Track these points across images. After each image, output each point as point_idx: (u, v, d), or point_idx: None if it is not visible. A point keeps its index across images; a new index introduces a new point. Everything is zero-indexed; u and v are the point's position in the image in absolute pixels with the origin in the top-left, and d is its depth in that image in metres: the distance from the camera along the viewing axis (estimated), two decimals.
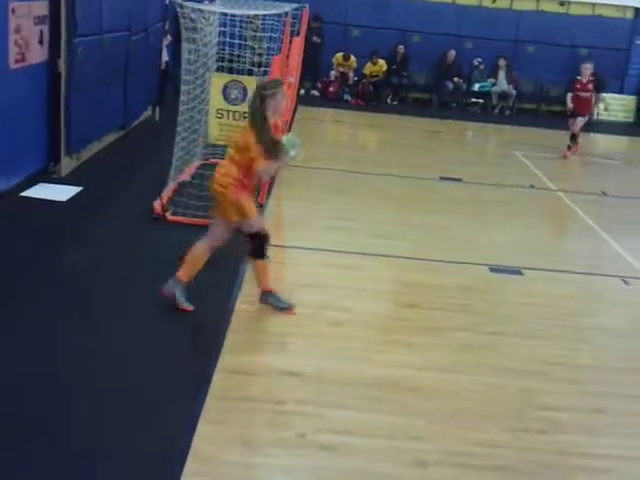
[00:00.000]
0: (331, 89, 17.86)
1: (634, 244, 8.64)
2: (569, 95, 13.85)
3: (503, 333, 6.05)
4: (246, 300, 6.09)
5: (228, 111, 9.06)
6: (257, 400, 4.68)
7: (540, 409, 4.96)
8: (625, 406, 5.13)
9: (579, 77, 13.77)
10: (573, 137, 13.81)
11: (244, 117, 9.38)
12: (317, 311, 6.06)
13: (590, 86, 13.77)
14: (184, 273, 5.76)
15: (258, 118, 5.57)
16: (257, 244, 5.80)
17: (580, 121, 13.69)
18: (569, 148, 13.78)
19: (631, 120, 18.58)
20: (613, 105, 17.35)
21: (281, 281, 6.41)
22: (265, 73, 9.14)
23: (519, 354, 5.72)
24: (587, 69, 13.74)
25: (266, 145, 5.52)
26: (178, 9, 8.20)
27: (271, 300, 5.99)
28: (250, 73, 9.44)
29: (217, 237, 5.82)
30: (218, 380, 4.83)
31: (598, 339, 6.22)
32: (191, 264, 5.77)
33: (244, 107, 8.78)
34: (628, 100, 18.53)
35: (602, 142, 16.52)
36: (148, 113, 12.74)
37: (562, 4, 18.40)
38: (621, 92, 18.19)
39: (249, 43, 9.99)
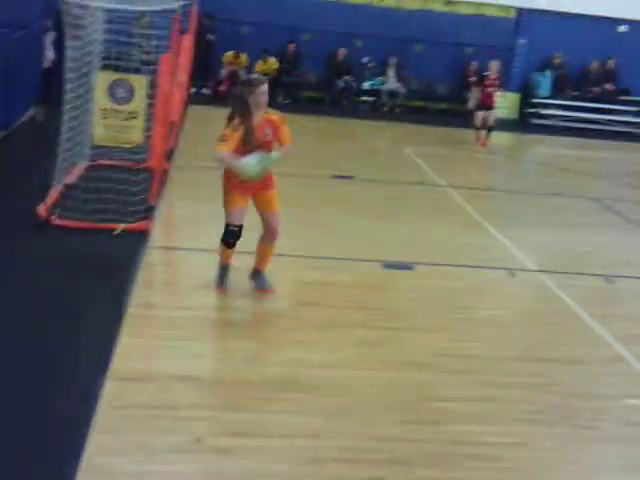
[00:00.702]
0: (222, 88, 17.70)
1: (518, 237, 8.95)
2: (474, 90, 15.16)
3: (397, 328, 6.14)
4: (137, 304, 5.94)
5: (114, 110, 8.83)
6: (150, 407, 4.57)
7: (434, 400, 5.06)
8: (513, 394, 5.30)
9: (487, 73, 15.05)
10: (486, 128, 15.12)
11: (132, 117, 9.20)
12: (210, 313, 5.99)
13: (497, 82, 15.12)
14: (261, 264, 6.40)
15: (240, 109, 5.88)
16: (224, 233, 6.18)
17: (491, 113, 14.99)
18: (478, 138, 15.10)
19: (515, 117, 19.26)
20: (498, 102, 17.92)
21: (172, 283, 6.30)
22: (153, 72, 8.96)
23: (413, 348, 5.82)
24: (495, 65, 15.14)
25: (244, 137, 5.88)
26: (61, 5, 7.93)
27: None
28: (138, 71, 9.24)
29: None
30: (109, 388, 4.69)
31: (487, 330, 6.40)
32: (259, 255, 6.42)
33: (131, 106, 8.61)
34: (512, 97, 19.20)
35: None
36: (32, 113, 12.28)
37: (448, 3, 18.86)
38: (504, 89, 18.82)
39: (137, 40, 9.78)
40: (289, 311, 6.43)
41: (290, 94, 18.34)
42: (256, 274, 6.50)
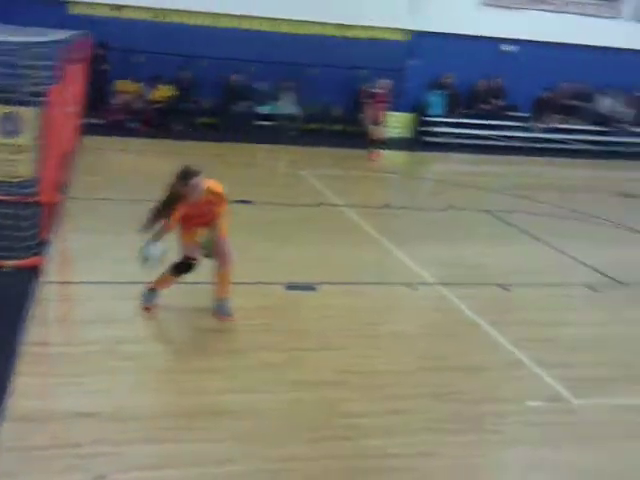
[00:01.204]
0: (116, 117, 17.41)
1: (416, 252, 9.12)
2: (366, 107, 16.48)
3: (302, 348, 6.15)
4: (32, 342, 5.72)
5: (2, 144, 8.55)
6: (50, 446, 4.41)
7: (341, 417, 5.09)
8: (420, 405, 5.38)
9: (376, 90, 16.41)
10: (375, 142, 16.20)
11: (21, 150, 8.92)
12: (110, 346, 5.83)
13: (385, 99, 16.51)
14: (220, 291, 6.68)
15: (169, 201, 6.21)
16: (180, 263, 6.50)
17: (379, 128, 16.26)
18: (372, 153, 16.06)
19: (409, 136, 19.70)
20: (391, 122, 18.28)
21: (67, 319, 6.12)
22: (43, 103, 8.71)
23: (318, 367, 5.84)
24: (383, 83, 16.66)
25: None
26: None
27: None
28: (27, 103, 8.97)
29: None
30: (5, 429, 4.50)
31: (391, 344, 6.48)
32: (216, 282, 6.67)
33: (20, 139, 8.35)
34: (406, 117, 19.63)
35: (384, 157, 17.37)
36: None
37: (340, 27, 19.17)
38: (397, 110, 19.22)
39: (25, 72, 9.50)
40: (193, 338, 6.35)
41: (186, 121, 18.20)
42: (216, 301, 6.68)
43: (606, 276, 8.76)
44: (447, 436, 4.97)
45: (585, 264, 9.21)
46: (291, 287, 7.54)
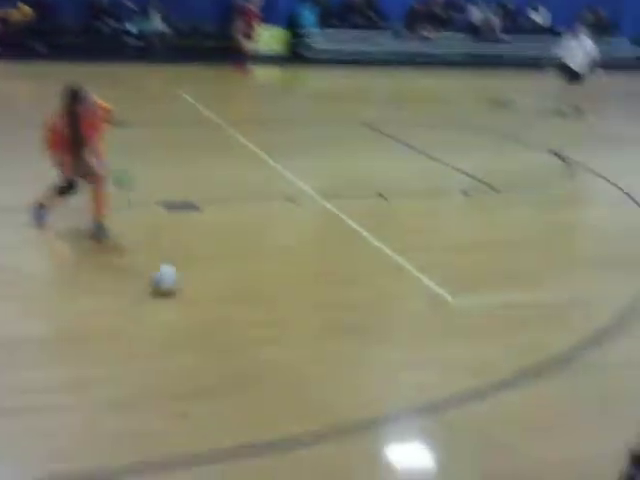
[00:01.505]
0: None
1: (298, 166, 9.13)
2: (238, 21, 16.61)
3: (187, 267, 6.07)
4: None
5: None
6: None
7: (230, 328, 5.12)
8: (301, 315, 5.48)
9: (249, 4, 16.71)
10: (247, 57, 16.46)
11: None
12: None
13: (257, 12, 16.94)
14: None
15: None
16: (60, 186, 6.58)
17: (253, 42, 16.74)
18: (244, 68, 16.17)
19: (281, 50, 19.41)
20: (264, 36, 17.94)
21: None
22: None
23: (206, 283, 5.84)
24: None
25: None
26: None
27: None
28: None
29: None
30: None
31: (279, 260, 6.52)
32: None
33: None
34: (279, 32, 19.30)
35: (260, 72, 17.13)
36: None
37: None
38: (270, 23, 18.86)
39: None
40: (77, 262, 6.22)
41: (48, 42, 17.23)
42: (94, 223, 6.55)
43: (481, 182, 9.06)
44: (329, 342, 5.08)
45: (460, 171, 9.48)
46: (173, 207, 7.43)
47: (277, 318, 5.38)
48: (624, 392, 4.71)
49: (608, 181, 9.38)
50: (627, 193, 8.85)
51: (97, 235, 6.49)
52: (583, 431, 4.25)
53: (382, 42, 19.55)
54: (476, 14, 20.32)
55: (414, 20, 19.60)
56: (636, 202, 8.53)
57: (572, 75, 13.76)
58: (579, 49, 13.80)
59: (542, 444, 4.06)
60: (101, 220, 6.51)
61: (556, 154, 10.55)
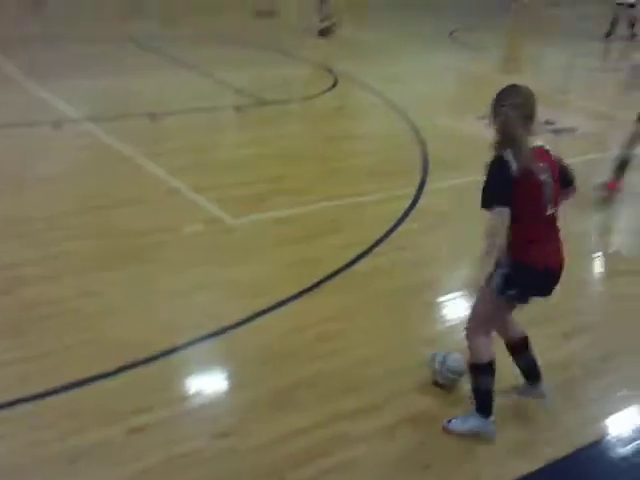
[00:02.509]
0: None
1: (57, 87, 8.61)
2: None
3: None
4: None
5: None
6: None
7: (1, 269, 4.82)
8: (80, 246, 5.26)
9: None
10: None
11: None
12: None
13: None
14: None
15: None
16: None
17: None
18: None
19: None
20: None
21: None
22: None
23: None
24: None
25: None
26: None
27: None
28: None
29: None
30: None
31: (42, 188, 6.17)
32: None
33: None
34: None
35: None
36: None
37: None
38: None
39: None
40: None
41: None
42: None
43: (251, 96, 9.05)
44: (110, 273, 4.92)
45: (231, 86, 9.41)
46: None
47: (47, 254, 5.10)
48: (400, 292, 5.00)
49: (372, 90, 9.74)
50: (388, 100, 9.27)
51: None
52: (373, 330, 4.48)
53: None
54: None
55: None
56: (396, 108, 8.95)
57: None
58: None
59: (336, 348, 4.24)
60: None
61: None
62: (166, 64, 10.37)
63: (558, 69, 12.69)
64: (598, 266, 5.78)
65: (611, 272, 5.61)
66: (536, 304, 3.49)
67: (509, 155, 3.13)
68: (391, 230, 5.87)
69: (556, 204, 3.28)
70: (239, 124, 8.34)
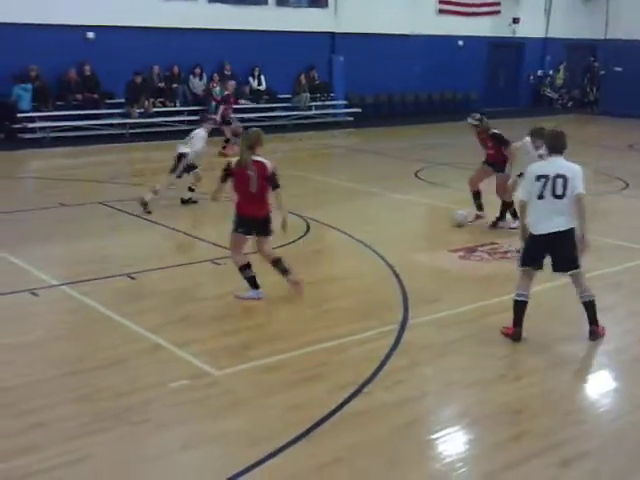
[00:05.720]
0: None
1: (33, 255, 8.66)
2: None
3: None
4: None
5: None
6: None
7: None
8: (62, 412, 5.14)
9: None
10: None
11: None
12: None
13: None
14: None
15: None
16: None
17: None
18: None
19: None
20: None
21: None
22: None
23: None
24: None
25: None
26: None
27: None
28: None
29: None
30: None
31: (22, 356, 6.08)
32: None
33: None
34: None
35: None
36: None
37: None
38: None
39: None
40: None
41: None
42: None
43: (225, 248, 9.13)
44: (94, 437, 4.82)
45: (208, 242, 9.49)
46: None
47: (29, 422, 4.97)
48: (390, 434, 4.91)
49: (344, 232, 9.90)
50: (360, 241, 9.41)
51: None
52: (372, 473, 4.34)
53: (106, 118, 19.19)
54: (196, 83, 20.50)
55: (136, 94, 19.27)
56: (373, 250, 9.07)
57: None
58: None
59: None
60: None
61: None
62: (137, 224, 10.44)
63: None
64: None
65: None
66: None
67: None
68: (379, 368, 5.85)
69: None
70: (216, 276, 8.37)
